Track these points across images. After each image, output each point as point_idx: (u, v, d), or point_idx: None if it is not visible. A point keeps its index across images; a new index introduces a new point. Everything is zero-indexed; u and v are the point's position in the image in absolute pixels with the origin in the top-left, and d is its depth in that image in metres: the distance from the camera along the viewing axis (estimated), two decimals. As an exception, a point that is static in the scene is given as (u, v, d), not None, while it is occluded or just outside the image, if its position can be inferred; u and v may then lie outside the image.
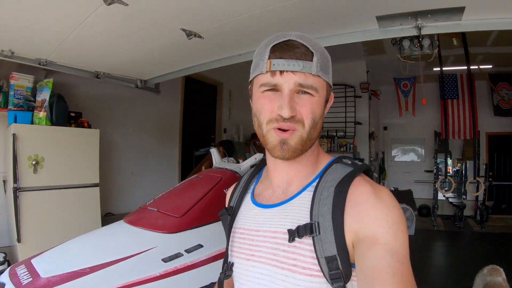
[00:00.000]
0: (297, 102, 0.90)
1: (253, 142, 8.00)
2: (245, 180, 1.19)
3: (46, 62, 3.85)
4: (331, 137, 8.00)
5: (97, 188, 4.45)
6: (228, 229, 1.11)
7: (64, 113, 4.25)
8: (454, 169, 9.33)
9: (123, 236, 2.67)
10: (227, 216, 1.11)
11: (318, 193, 0.91)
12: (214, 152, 3.56)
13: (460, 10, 2.47)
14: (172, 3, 2.45)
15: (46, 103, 3.96)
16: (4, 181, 4.13)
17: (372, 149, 8.05)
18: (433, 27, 2.64)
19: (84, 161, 4.33)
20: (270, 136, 0.93)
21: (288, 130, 0.91)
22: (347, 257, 0.84)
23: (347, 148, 7.80)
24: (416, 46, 3.07)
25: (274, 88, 0.91)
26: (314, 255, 0.85)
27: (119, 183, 5.66)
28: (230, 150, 4.25)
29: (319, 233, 0.86)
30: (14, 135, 3.67)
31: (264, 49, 0.93)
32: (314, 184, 0.96)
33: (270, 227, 0.97)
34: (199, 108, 7.55)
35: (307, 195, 0.95)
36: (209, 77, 7.46)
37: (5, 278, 2.27)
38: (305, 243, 0.88)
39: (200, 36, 3.07)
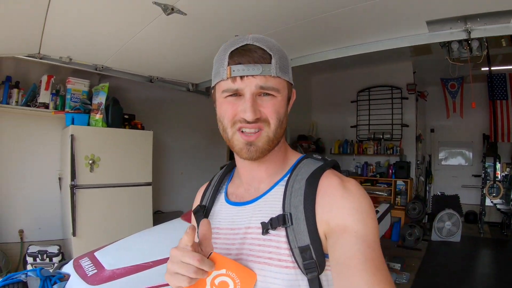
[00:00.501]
0: (260, 104, 0.92)
1: (300, 144, 7.93)
2: (217, 179, 1.20)
3: (102, 67, 4.07)
4: (377, 140, 7.86)
5: (150, 187, 4.64)
6: None
7: (119, 116, 4.45)
8: (503, 173, 8.93)
9: (182, 233, 2.77)
10: (201, 214, 1.11)
11: (289, 186, 0.94)
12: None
13: (508, 13, 2.45)
14: (229, 12, 2.53)
15: (102, 106, 4.18)
16: (60, 179, 4.38)
17: (419, 152, 7.82)
18: (482, 30, 2.62)
19: (138, 161, 4.52)
20: (236, 139, 0.95)
21: (254, 132, 0.93)
22: (320, 247, 0.86)
23: (394, 150, 7.64)
24: (465, 48, 3.03)
25: (236, 93, 0.92)
26: (288, 246, 0.87)
27: (169, 182, 5.82)
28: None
29: (292, 223, 0.88)
30: (72, 136, 3.89)
31: (223, 56, 0.93)
32: (286, 178, 0.99)
33: (245, 223, 0.98)
34: None
35: (279, 189, 0.98)
36: None
37: (69, 269, 2.42)
38: (279, 235, 0.89)
39: None
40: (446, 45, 3.12)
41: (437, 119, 8.94)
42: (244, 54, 0.90)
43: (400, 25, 2.80)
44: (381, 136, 7.84)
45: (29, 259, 3.76)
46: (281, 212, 0.91)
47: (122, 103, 4.60)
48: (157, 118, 5.37)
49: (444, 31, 2.72)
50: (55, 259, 3.80)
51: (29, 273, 2.44)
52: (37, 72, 4.21)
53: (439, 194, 8.19)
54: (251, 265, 0.91)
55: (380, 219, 3.90)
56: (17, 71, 4.12)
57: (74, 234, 3.89)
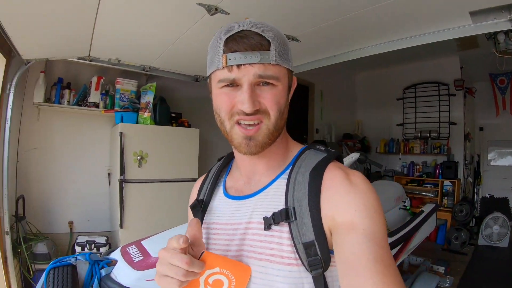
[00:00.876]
0: (259, 94, 0.86)
1: (345, 142, 7.83)
2: (214, 172, 1.14)
3: (149, 68, 4.24)
4: (424, 138, 7.60)
5: (195, 183, 4.74)
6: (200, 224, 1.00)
7: (166, 114, 4.60)
8: (556, 175, 8.41)
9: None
10: (199, 209, 1.04)
11: (292, 179, 0.89)
12: (310, 150, 3.57)
13: (555, 0, 2.31)
14: (272, 10, 2.56)
15: (150, 105, 4.34)
16: (109, 174, 4.61)
17: (467, 152, 7.49)
18: (527, 19, 2.48)
19: (184, 158, 4.66)
20: (235, 133, 0.90)
21: (254, 125, 0.87)
22: (325, 243, 0.82)
23: (441, 150, 7.36)
24: (512, 39, 2.91)
25: (233, 83, 0.86)
26: (291, 242, 0.82)
27: (214, 179, 5.84)
28: (325, 149, 4.26)
29: (296, 218, 0.83)
30: (121, 133, 4.07)
31: (217, 43, 0.87)
32: (288, 171, 0.93)
33: (245, 218, 0.93)
34: (291, 108, 7.22)
35: (281, 182, 0.93)
36: (300, 78, 7.07)
37: (117, 255, 2.55)
38: (282, 230, 0.85)
39: (297, 40, 3.16)
40: (492, 36, 3.00)
41: (486, 117, 8.38)
42: (241, 41, 0.84)
43: (442, 17, 2.72)
44: (428, 135, 7.58)
45: (78, 248, 3.96)
46: (283, 207, 0.86)
47: (169, 102, 4.75)
48: (203, 116, 5.44)
49: (488, 21, 2.59)
50: (103, 249, 3.97)
51: (78, 257, 2.59)
52: (87, 74, 4.43)
53: (488, 196, 7.83)
54: (252, 261, 0.87)
55: (424, 220, 3.80)
56: (68, 73, 4.35)
57: (121, 226, 4.08)
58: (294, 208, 0.84)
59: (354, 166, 6.50)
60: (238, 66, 0.83)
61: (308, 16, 2.71)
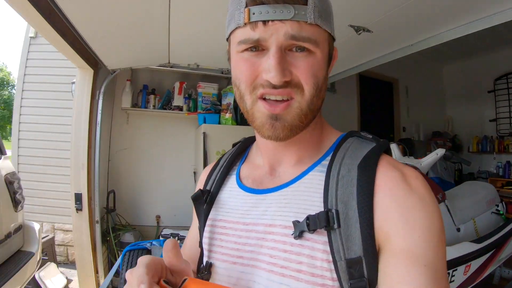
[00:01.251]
0: (291, 63, 0.64)
1: (434, 141, 7.26)
2: (227, 158, 0.92)
3: (227, 71, 4.35)
4: (501, 137, 6.84)
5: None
6: (204, 220, 0.83)
7: (247, 114, 4.69)
8: None
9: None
10: (203, 202, 0.84)
11: (333, 172, 0.67)
12: (394, 147, 3.41)
13: None
14: (339, 1, 2.44)
15: (231, 106, 4.47)
16: (195, 173, 4.84)
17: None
18: None
19: (263, 156, 4.72)
20: (257, 110, 0.69)
21: (282, 101, 0.66)
22: (375, 261, 0.61)
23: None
24: None
25: (257, 46, 0.65)
26: (329, 257, 0.62)
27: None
28: (410, 148, 4.02)
29: (339, 225, 0.62)
30: (204, 133, 4.25)
31: None
32: (325, 162, 0.72)
33: (265, 219, 0.72)
34: (376, 106, 6.98)
35: (317, 176, 0.71)
36: (383, 74, 6.83)
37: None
38: (316, 240, 0.64)
39: (368, 30, 2.95)
40: None
41: None
42: None
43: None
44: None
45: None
46: (321, 208, 0.65)
47: (254, 102, 4.85)
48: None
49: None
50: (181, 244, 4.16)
51: (153, 242, 2.76)
52: (170, 79, 4.73)
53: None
54: (272, 277, 0.66)
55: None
56: (152, 80, 4.71)
57: (203, 222, 4.23)
58: (337, 211, 0.63)
59: (444, 165, 6.16)
60: (265, 22, 0.63)
61: (376, 2, 2.47)
